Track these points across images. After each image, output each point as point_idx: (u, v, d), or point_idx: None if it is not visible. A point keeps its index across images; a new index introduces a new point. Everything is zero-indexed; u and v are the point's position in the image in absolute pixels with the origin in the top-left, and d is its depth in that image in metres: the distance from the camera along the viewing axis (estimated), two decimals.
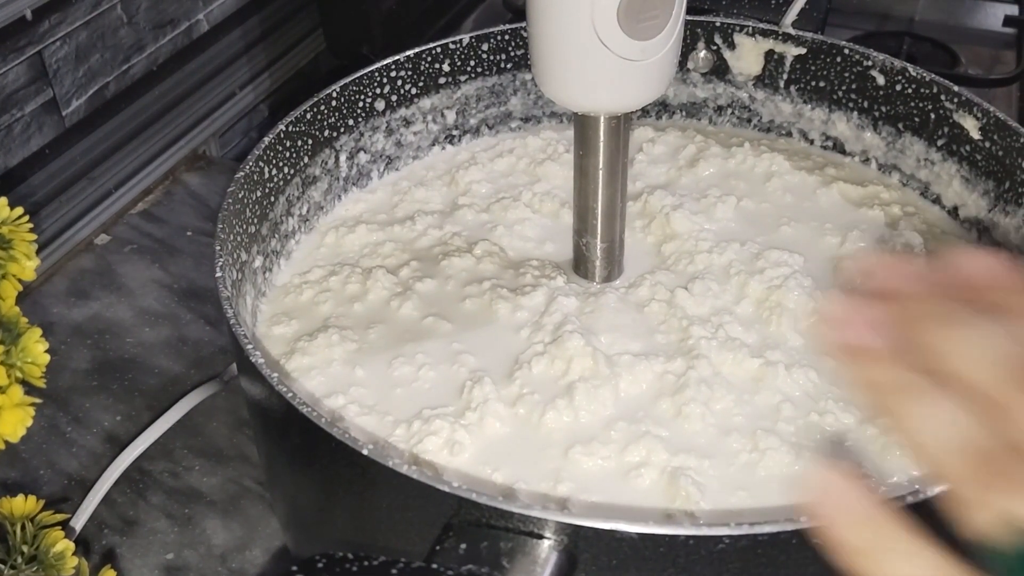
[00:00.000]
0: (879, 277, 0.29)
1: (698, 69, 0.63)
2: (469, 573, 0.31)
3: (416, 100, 0.59)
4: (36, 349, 0.39)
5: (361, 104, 0.56)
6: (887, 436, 0.41)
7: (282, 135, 0.51)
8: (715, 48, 0.62)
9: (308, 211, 0.55)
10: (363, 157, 0.58)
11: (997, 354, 0.27)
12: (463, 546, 0.32)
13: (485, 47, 0.60)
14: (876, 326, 0.28)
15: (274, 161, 0.51)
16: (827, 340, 0.29)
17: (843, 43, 0.58)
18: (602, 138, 0.45)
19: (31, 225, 0.41)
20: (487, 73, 0.61)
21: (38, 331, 0.39)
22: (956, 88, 0.53)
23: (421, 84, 0.59)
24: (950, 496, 0.26)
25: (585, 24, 0.39)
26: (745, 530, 0.30)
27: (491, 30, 0.60)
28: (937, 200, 0.57)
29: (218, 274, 0.43)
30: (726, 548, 0.31)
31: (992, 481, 0.26)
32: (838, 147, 0.61)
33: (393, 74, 0.57)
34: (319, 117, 0.54)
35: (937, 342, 0.27)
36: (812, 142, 0.62)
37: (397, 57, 0.57)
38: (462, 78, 0.60)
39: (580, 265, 0.51)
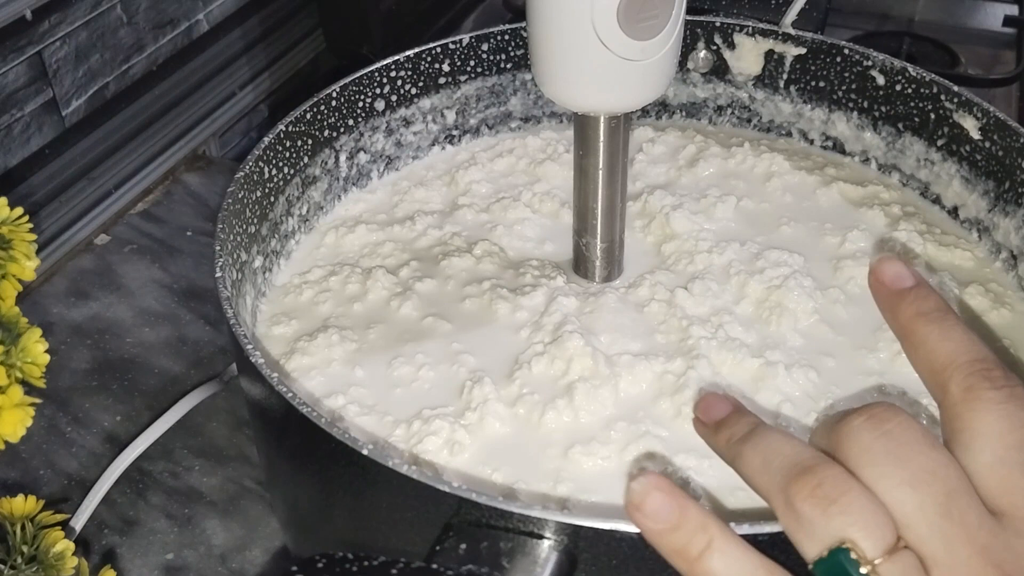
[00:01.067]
0: (709, 411, 0.34)
1: (698, 69, 0.63)
2: (469, 573, 0.31)
3: (416, 100, 0.59)
4: (36, 349, 0.39)
5: (361, 104, 0.56)
6: None
7: (282, 135, 0.51)
8: (715, 48, 0.62)
9: (308, 211, 0.55)
10: (363, 157, 0.58)
11: (775, 461, 0.29)
12: (463, 546, 0.32)
13: (485, 47, 0.60)
14: (733, 401, 0.34)
15: (274, 161, 0.51)
16: (699, 432, 0.34)
17: (843, 43, 0.58)
18: (602, 138, 0.45)
19: (31, 225, 0.40)
20: (487, 73, 0.61)
21: (38, 331, 0.39)
22: (956, 88, 0.53)
23: (421, 84, 0.59)
24: (780, 522, 0.28)
25: (585, 24, 0.39)
26: (745, 530, 0.30)
27: (491, 30, 0.60)
28: (937, 200, 0.57)
29: (218, 274, 0.43)
30: None
31: (807, 496, 0.27)
32: (838, 147, 0.61)
33: (393, 74, 0.57)
34: (319, 117, 0.54)
35: (737, 451, 0.31)
36: (812, 142, 0.62)
37: (397, 57, 0.57)
38: (462, 78, 0.60)
39: (580, 265, 0.51)
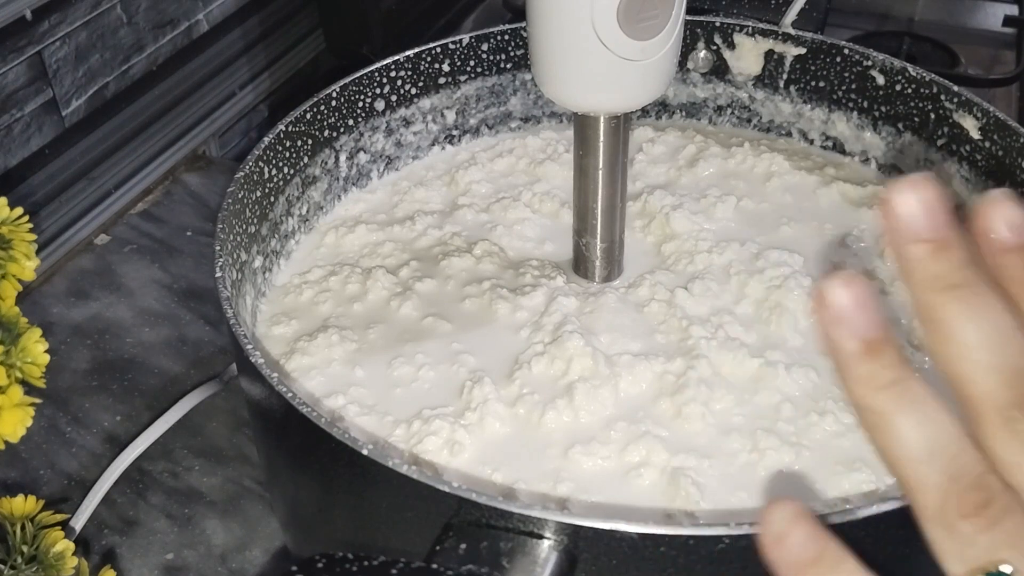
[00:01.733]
0: (853, 322, 0.25)
1: (698, 69, 0.63)
2: (469, 573, 0.31)
3: (416, 100, 0.59)
4: (36, 349, 0.39)
5: (361, 104, 0.56)
6: None
7: (282, 135, 0.51)
8: (715, 48, 0.62)
9: (308, 211, 0.55)
10: (363, 157, 0.58)
11: (1003, 360, 0.24)
12: (463, 546, 0.32)
13: (485, 47, 0.60)
14: (876, 315, 0.25)
15: (274, 161, 0.51)
16: (827, 336, 0.26)
17: (843, 43, 0.58)
18: (602, 138, 0.45)
19: (31, 225, 0.41)
20: (487, 73, 0.61)
21: (38, 331, 0.39)
22: (956, 88, 0.53)
23: (421, 84, 0.59)
24: (924, 526, 0.25)
25: (585, 24, 0.39)
26: (745, 530, 0.30)
27: (491, 30, 0.60)
28: None
29: (218, 274, 0.43)
30: (726, 548, 0.31)
31: (969, 513, 0.24)
32: (838, 147, 0.61)
33: (393, 74, 0.57)
34: (319, 117, 0.54)
35: (947, 322, 0.25)
36: (812, 142, 0.62)
37: (397, 57, 0.57)
38: (462, 78, 0.60)
39: (580, 265, 0.51)
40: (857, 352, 0.25)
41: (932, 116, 0.55)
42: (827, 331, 0.26)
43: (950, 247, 0.24)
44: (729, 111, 0.64)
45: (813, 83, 0.60)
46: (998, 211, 0.25)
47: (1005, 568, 0.24)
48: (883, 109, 0.58)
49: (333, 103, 0.55)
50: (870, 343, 0.25)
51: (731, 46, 0.61)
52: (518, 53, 0.61)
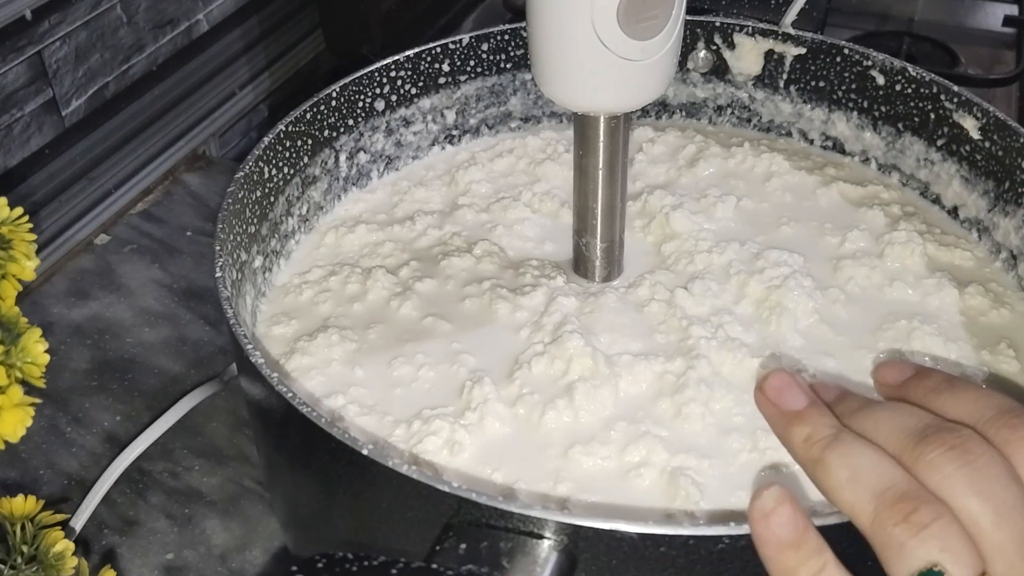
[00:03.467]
0: (782, 396, 0.33)
1: (698, 69, 0.63)
2: (469, 573, 0.31)
3: (416, 100, 0.59)
4: (36, 349, 0.39)
5: (361, 104, 0.56)
6: None
7: (282, 135, 0.51)
8: (715, 48, 0.62)
9: (308, 211, 0.55)
10: (363, 157, 0.58)
11: (901, 423, 0.30)
12: (463, 546, 0.32)
13: (485, 47, 0.60)
14: (807, 391, 0.33)
15: (274, 161, 0.51)
16: (766, 411, 0.33)
17: (843, 43, 0.58)
18: (602, 138, 0.45)
19: (31, 225, 0.41)
20: (487, 73, 0.61)
21: (38, 331, 0.39)
22: (956, 88, 0.53)
23: (421, 84, 0.59)
24: (869, 541, 0.28)
25: (585, 24, 0.39)
26: (745, 530, 0.31)
27: (491, 30, 0.60)
28: (937, 200, 0.57)
29: (218, 274, 0.43)
30: (726, 548, 0.31)
31: (900, 520, 0.27)
32: (838, 147, 0.61)
33: (393, 74, 0.57)
34: (319, 117, 0.54)
35: (854, 422, 0.31)
36: (812, 142, 0.62)
37: (397, 57, 0.57)
38: (462, 78, 0.60)
39: (580, 265, 0.51)
40: (788, 423, 0.32)
41: (932, 116, 0.55)
42: (763, 412, 0.33)
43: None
44: (729, 111, 0.64)
45: (813, 83, 0.60)
46: (890, 371, 0.34)
47: (936, 568, 0.27)
48: (883, 109, 0.58)
49: (333, 103, 0.55)
50: (796, 414, 0.32)
51: (731, 46, 0.61)
52: (518, 53, 0.61)
